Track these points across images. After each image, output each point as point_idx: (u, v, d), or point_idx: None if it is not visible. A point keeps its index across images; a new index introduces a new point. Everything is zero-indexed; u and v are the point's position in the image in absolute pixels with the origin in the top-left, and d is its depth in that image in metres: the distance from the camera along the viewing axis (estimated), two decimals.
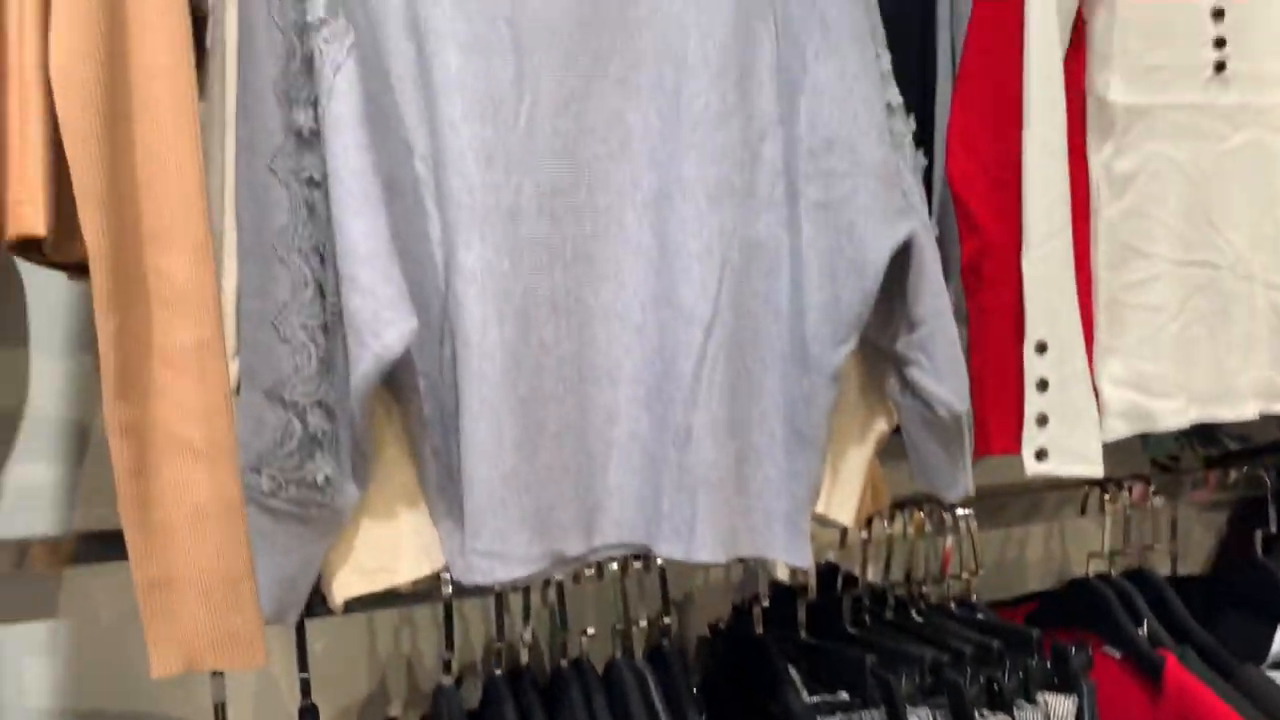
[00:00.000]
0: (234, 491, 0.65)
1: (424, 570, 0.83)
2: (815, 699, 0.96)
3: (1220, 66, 1.04)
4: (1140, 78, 1.01)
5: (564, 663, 0.97)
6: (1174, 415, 1.03)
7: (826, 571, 1.07)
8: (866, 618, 1.06)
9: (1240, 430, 1.27)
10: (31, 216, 0.60)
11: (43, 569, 1.00)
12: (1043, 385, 0.95)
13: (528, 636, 0.98)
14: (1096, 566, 1.17)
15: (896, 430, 0.92)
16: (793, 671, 0.98)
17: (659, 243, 0.83)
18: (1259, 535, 1.22)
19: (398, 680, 1.13)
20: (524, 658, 0.98)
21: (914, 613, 1.08)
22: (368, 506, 0.81)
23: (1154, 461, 1.39)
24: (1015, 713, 0.95)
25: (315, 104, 0.75)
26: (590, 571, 0.95)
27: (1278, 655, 1.11)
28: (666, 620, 1.00)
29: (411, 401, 0.81)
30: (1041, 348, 0.95)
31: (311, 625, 0.91)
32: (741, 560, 0.87)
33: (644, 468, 0.83)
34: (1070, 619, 1.11)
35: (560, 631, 0.98)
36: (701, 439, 0.82)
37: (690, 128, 0.82)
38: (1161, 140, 1.03)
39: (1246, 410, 1.07)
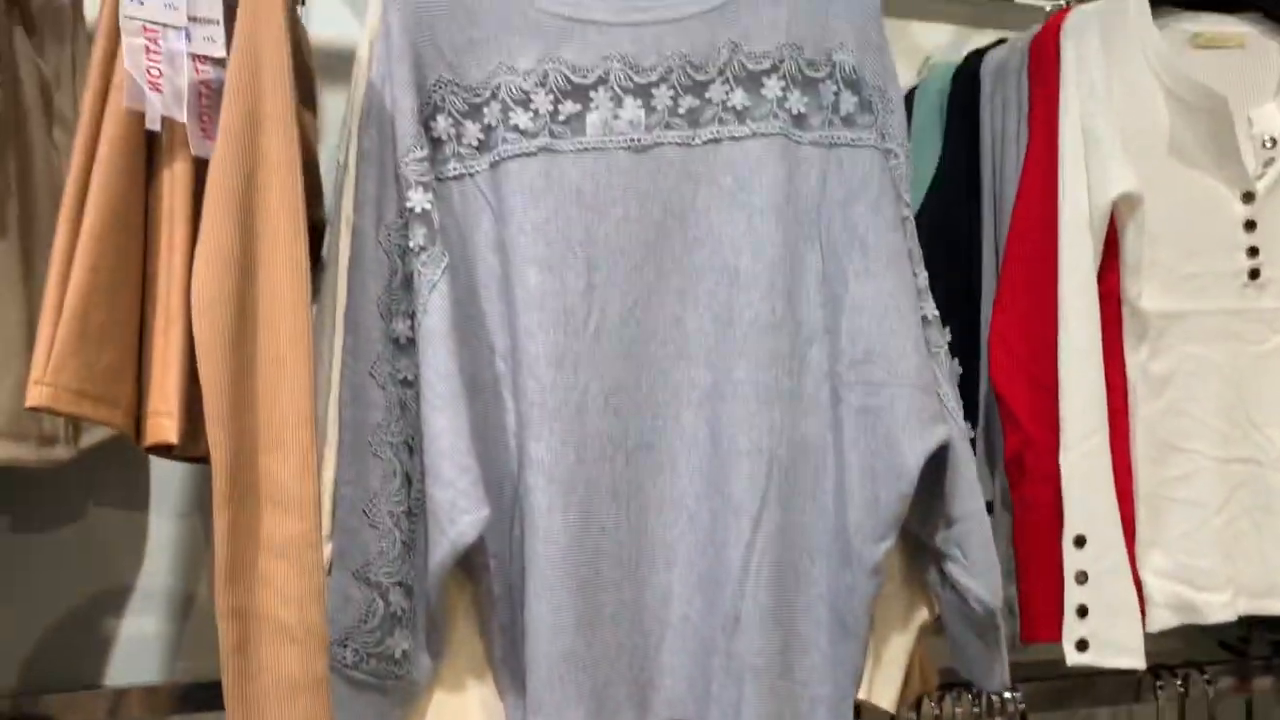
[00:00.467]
0: (321, 669, 0.73)
1: None
2: None
3: (1255, 274, 1.09)
4: (1174, 286, 1.07)
5: None
6: (1221, 609, 1.06)
7: None
8: None
9: None
10: (168, 427, 0.71)
11: (141, 715, 1.09)
12: (1082, 578, 0.99)
13: None
14: None
15: None
16: None
17: (713, 437, 0.90)
18: None
19: None
20: None
21: None
22: (440, 678, 0.88)
23: (1222, 644, 1.40)
24: None
25: (412, 316, 0.87)
26: None
27: None
28: None
29: (482, 580, 0.89)
30: (1080, 541, 1.00)
31: None
32: None
33: (696, 650, 0.89)
34: None
35: None
36: (749, 626, 0.87)
37: (742, 335, 0.90)
38: (1197, 343, 1.08)
39: None
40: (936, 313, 0.93)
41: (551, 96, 0.89)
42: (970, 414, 1.11)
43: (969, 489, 0.90)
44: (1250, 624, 1.36)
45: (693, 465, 0.90)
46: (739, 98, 0.91)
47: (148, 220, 0.75)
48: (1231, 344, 1.09)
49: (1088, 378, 1.01)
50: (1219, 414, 1.08)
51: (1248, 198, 1.09)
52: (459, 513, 0.82)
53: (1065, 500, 1.00)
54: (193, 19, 0.76)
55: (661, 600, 0.89)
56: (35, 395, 0.67)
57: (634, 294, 0.90)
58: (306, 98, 1.08)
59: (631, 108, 0.90)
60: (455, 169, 0.90)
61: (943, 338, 0.93)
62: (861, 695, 0.92)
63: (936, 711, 1.08)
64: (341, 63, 1.02)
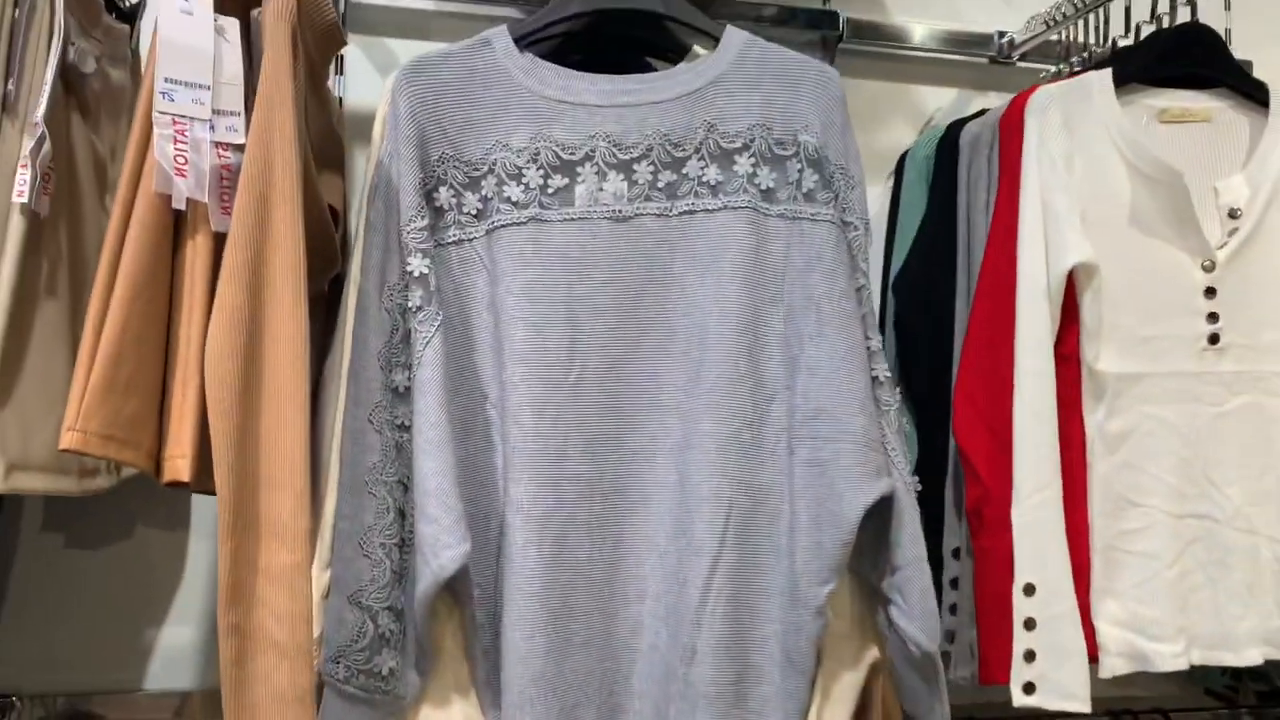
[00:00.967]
0: (307, 683, 0.83)
1: None
2: None
3: (1214, 339, 1.14)
4: (1132, 349, 1.12)
5: None
6: (1172, 659, 1.10)
7: None
8: None
9: None
10: (182, 468, 0.82)
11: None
12: (1030, 624, 1.05)
13: None
14: None
15: None
16: None
17: (681, 483, 0.98)
18: None
19: None
20: None
21: None
22: (427, 695, 0.98)
23: (1209, 691, 1.43)
24: None
25: (409, 368, 0.97)
26: None
27: None
28: None
29: (467, 607, 0.98)
30: (1029, 590, 1.05)
31: None
32: None
33: (661, 677, 0.97)
34: None
35: None
36: (704, 658, 0.95)
37: (708, 390, 0.98)
38: (1154, 404, 1.13)
39: (1249, 655, 1.12)
40: (889, 374, 1.01)
41: (542, 171, 0.99)
42: (942, 463, 1.19)
43: (911, 539, 0.97)
44: (1237, 674, 1.40)
45: (664, 508, 0.98)
46: (713, 173, 1.00)
47: (173, 286, 0.86)
48: (1190, 405, 1.13)
49: (1039, 435, 1.07)
50: (1175, 471, 1.12)
51: (1209, 266, 1.14)
52: (442, 547, 0.92)
53: (1016, 550, 1.06)
54: (217, 111, 0.88)
55: (632, 630, 0.98)
56: (67, 440, 0.79)
57: (613, 350, 0.99)
58: (335, 163, 1.19)
59: (615, 181, 1.00)
60: (455, 235, 1.00)
61: (894, 397, 1.00)
62: None
63: None
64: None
